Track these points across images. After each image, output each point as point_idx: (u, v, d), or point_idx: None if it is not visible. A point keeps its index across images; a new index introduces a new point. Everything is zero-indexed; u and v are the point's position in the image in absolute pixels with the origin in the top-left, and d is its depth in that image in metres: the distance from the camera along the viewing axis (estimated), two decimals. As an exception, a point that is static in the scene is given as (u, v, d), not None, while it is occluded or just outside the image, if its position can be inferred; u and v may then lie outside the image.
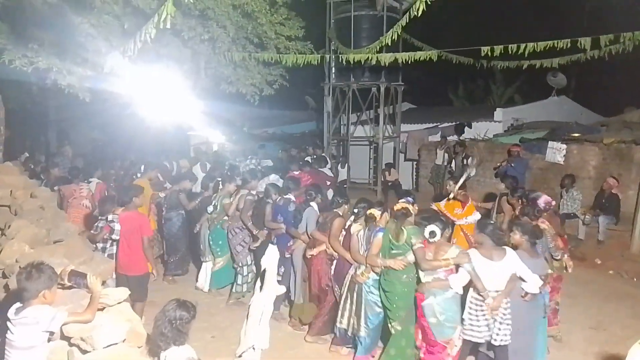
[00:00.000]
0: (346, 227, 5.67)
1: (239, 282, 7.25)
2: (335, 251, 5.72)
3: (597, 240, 9.69)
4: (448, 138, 14.06)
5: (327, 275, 5.91)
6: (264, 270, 3.69)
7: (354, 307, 5.35)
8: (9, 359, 3.20)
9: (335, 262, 5.86)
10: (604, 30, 8.43)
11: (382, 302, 5.21)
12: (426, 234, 4.77)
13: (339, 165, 13.71)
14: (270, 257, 3.90)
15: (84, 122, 17.16)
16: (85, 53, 7.91)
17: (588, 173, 11.10)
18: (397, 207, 5.04)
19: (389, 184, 13.48)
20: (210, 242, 7.55)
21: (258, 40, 10.34)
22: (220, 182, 7.95)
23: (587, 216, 9.78)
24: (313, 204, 6.41)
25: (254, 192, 7.49)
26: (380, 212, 5.31)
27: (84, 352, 2.82)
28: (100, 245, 6.23)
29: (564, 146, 11.34)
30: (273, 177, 8.73)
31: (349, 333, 5.44)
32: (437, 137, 14.58)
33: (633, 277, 8.75)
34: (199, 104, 10.35)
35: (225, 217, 7.35)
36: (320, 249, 5.91)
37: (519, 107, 17.41)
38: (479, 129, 14.75)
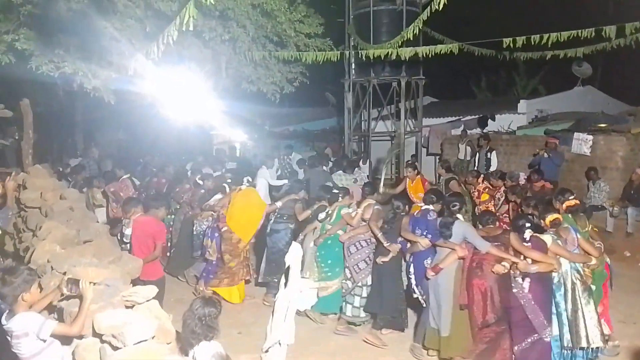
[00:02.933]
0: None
1: (356, 304, 6.13)
2: (542, 263, 4.99)
3: (625, 233, 9.50)
4: (469, 132, 13.91)
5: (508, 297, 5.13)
6: (288, 266, 3.74)
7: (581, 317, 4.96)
8: None
9: (529, 281, 5.04)
10: (630, 18, 8.24)
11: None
12: None
13: (361, 161, 13.68)
14: (294, 254, 3.94)
15: (109, 123, 17.49)
16: (109, 56, 8.08)
17: (616, 164, 10.87)
18: (571, 203, 5.46)
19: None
20: (318, 259, 6.45)
21: (278, 38, 10.40)
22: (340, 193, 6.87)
23: (615, 208, 9.59)
24: (459, 215, 5.53)
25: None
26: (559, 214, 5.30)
27: (115, 348, 2.90)
28: (124, 246, 6.34)
29: (590, 137, 11.12)
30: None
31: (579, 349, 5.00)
32: (459, 131, 14.44)
33: (664, 270, 8.56)
34: (221, 103, 10.48)
35: (340, 231, 6.38)
36: (507, 266, 5.07)
37: (543, 99, 17.14)
38: (502, 122, 14.57)
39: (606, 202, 9.76)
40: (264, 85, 10.70)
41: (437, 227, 5.48)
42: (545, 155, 10.44)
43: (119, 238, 6.46)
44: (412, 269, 5.75)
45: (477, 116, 15.02)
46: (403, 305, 6.01)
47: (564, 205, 5.33)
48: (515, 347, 5.06)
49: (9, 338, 3.16)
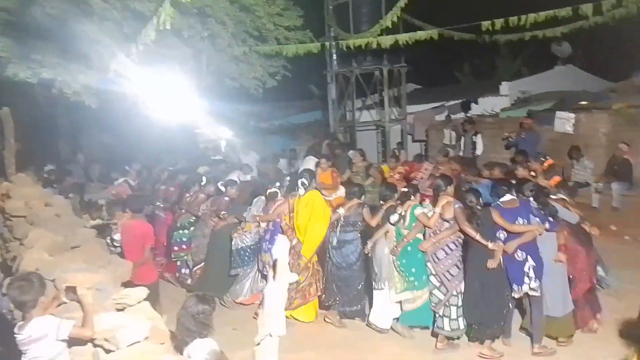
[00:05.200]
0: None
1: (454, 315, 5.38)
2: None
3: (611, 207, 9.62)
4: (453, 116, 13.98)
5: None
6: (276, 259, 3.75)
7: None
8: None
9: None
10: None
11: None
12: None
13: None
14: (280, 246, 3.94)
15: (93, 127, 17.29)
16: (88, 60, 8.01)
17: (599, 141, 10.96)
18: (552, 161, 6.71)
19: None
20: (401, 269, 5.67)
21: (258, 33, 10.38)
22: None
23: (599, 184, 9.71)
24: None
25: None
26: None
27: (108, 351, 2.90)
28: (113, 249, 6.31)
29: (573, 115, 11.20)
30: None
31: None
32: (443, 117, 14.50)
33: (650, 242, 8.70)
34: (204, 102, 10.40)
35: (419, 235, 5.67)
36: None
37: (525, 80, 17.25)
38: (485, 105, 14.65)
39: (591, 179, 9.87)
40: (246, 80, 10.68)
41: (544, 214, 5.25)
42: (522, 135, 10.52)
43: (108, 242, 6.44)
44: (530, 262, 5.19)
45: (460, 101, 15.08)
46: (508, 309, 5.39)
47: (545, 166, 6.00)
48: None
49: (23, 348, 3.16)
